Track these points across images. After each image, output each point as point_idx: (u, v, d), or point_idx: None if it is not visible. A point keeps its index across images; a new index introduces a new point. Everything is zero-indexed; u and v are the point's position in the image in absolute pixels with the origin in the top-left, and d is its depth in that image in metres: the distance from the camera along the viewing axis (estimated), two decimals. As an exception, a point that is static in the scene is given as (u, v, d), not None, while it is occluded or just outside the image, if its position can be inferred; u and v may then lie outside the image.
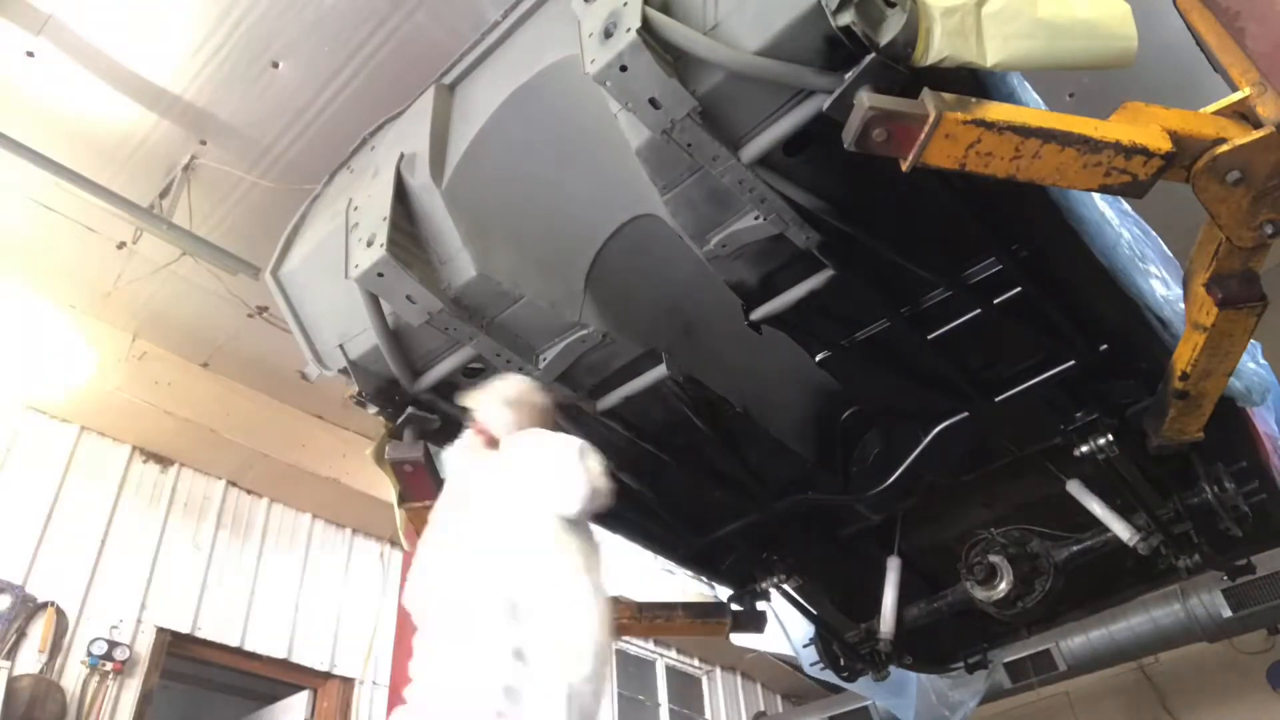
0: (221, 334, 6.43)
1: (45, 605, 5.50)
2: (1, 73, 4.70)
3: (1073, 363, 2.58)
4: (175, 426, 6.42)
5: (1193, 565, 2.95)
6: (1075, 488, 2.97)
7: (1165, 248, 2.69)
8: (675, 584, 5.63)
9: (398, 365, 2.52)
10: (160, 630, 6.07)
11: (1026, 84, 2.01)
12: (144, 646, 5.93)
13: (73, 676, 5.46)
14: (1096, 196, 2.13)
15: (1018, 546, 3.08)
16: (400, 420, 2.56)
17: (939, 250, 2.35)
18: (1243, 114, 1.68)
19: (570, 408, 2.73)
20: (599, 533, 3.38)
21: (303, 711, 6.76)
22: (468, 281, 2.27)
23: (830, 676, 3.88)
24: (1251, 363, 2.43)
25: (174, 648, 6.17)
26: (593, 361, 2.57)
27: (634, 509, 3.26)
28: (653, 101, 1.82)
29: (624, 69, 1.79)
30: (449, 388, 2.66)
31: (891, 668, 3.71)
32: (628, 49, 1.77)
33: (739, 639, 3.91)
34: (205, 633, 6.31)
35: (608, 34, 1.80)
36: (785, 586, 3.51)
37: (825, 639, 3.79)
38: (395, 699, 3.05)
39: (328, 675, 6.87)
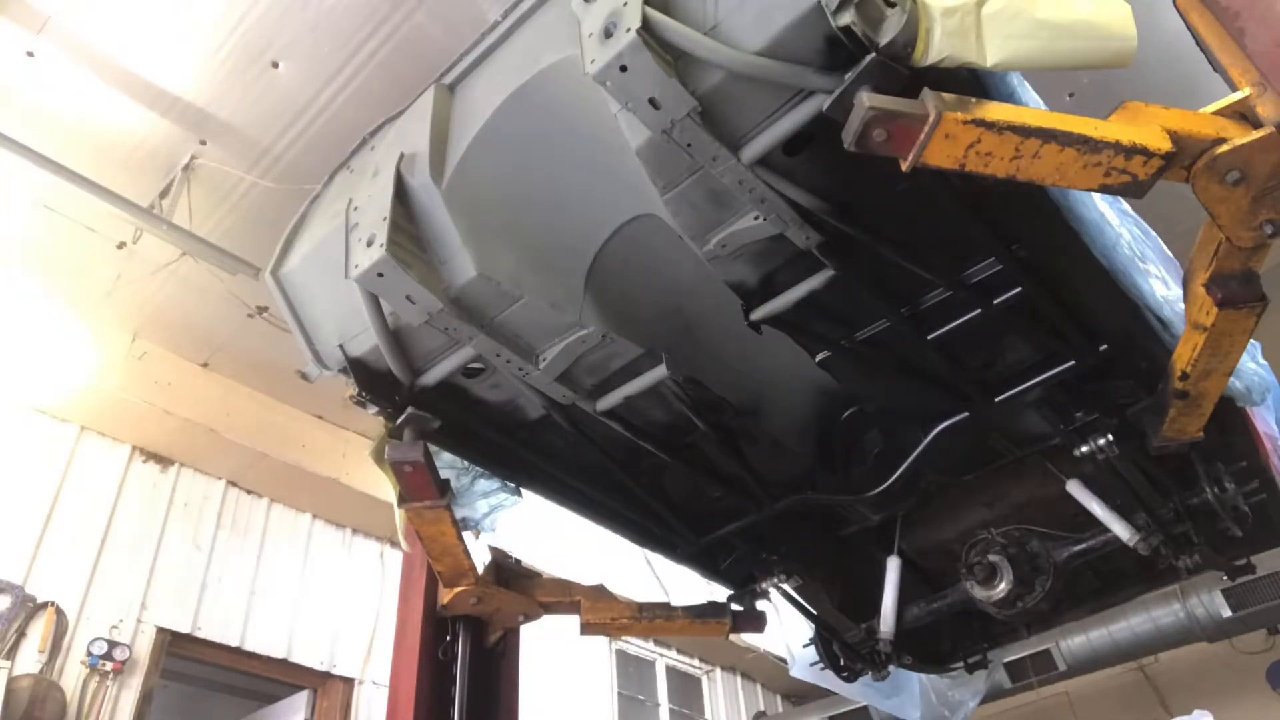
0: (221, 334, 6.44)
1: (45, 605, 5.51)
2: (1, 73, 4.71)
3: (1073, 363, 2.58)
4: (175, 426, 6.43)
5: (1193, 565, 2.94)
6: (1075, 488, 2.97)
7: (1165, 248, 2.69)
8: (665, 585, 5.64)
9: (397, 365, 2.52)
10: (160, 630, 6.08)
11: (1026, 84, 2.01)
12: (144, 646, 5.94)
13: (73, 676, 5.48)
14: (1096, 196, 2.13)
15: (1018, 546, 3.08)
16: (400, 420, 2.56)
17: (939, 250, 2.35)
18: (1243, 114, 1.68)
19: (570, 408, 2.73)
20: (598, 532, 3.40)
21: (303, 711, 6.78)
22: (468, 281, 2.27)
23: (829, 679, 3.88)
24: (1251, 363, 2.43)
25: (174, 648, 6.18)
26: (593, 361, 2.57)
27: (634, 509, 3.26)
28: (653, 101, 1.82)
29: (624, 69, 1.79)
30: (449, 388, 2.67)
31: (890, 668, 3.72)
32: (628, 49, 1.77)
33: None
34: (205, 633, 6.33)
35: (608, 34, 1.81)
36: (785, 586, 3.51)
37: (825, 639, 3.79)
38: (394, 698, 3.05)
39: (328, 675, 6.89)
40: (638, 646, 9.42)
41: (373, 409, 2.60)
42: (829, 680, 3.91)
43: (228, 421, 6.64)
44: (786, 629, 4.03)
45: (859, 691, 4.02)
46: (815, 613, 3.66)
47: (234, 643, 6.44)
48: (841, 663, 3.77)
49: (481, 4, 4.38)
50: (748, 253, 2.26)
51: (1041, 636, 6.35)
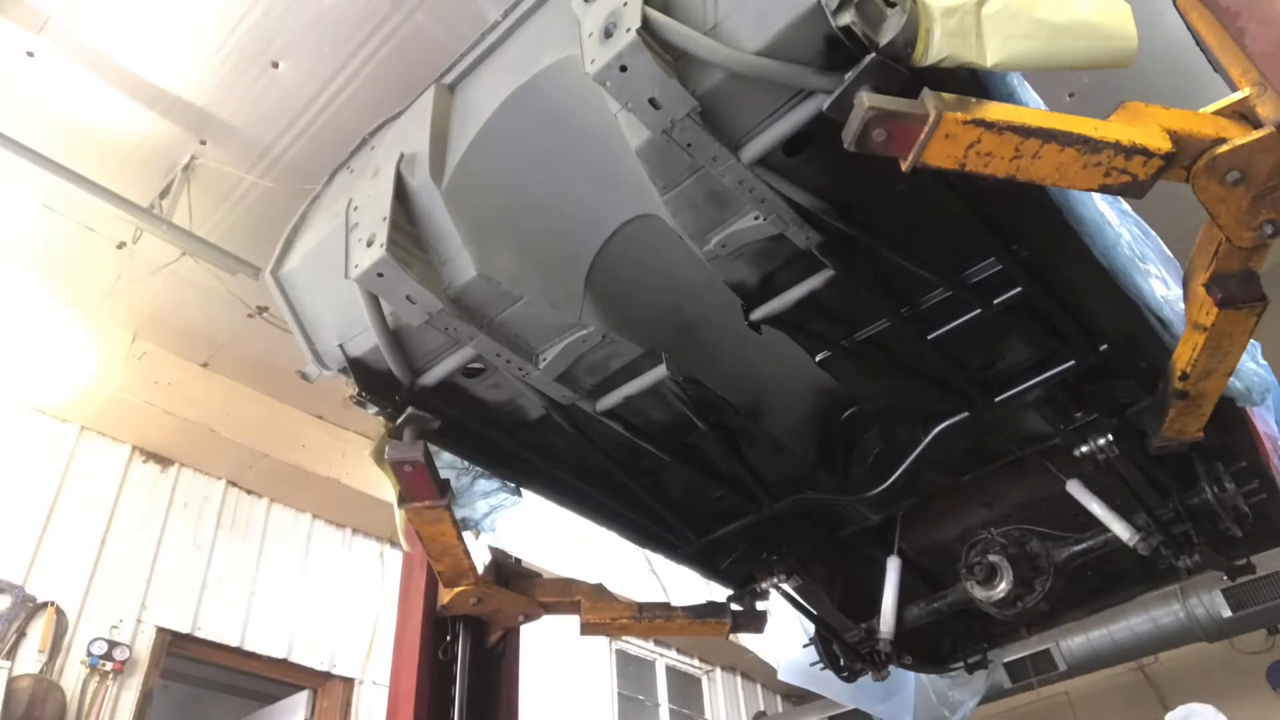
0: (221, 334, 6.44)
1: (45, 605, 5.51)
2: (1, 73, 4.71)
3: (1072, 363, 2.58)
4: (175, 426, 6.43)
5: (1193, 565, 2.95)
6: (1075, 488, 2.97)
7: (1165, 248, 2.69)
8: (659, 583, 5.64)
9: (397, 365, 2.52)
10: (160, 630, 6.08)
11: (1026, 84, 2.01)
12: (144, 646, 5.94)
13: (73, 676, 5.48)
14: (1096, 196, 2.13)
15: (1018, 546, 3.08)
16: (400, 420, 2.56)
17: (939, 250, 2.35)
18: (1243, 114, 1.68)
19: (570, 408, 2.73)
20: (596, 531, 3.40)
21: (303, 711, 6.78)
22: (468, 281, 2.27)
23: (818, 682, 3.89)
24: (1251, 363, 2.43)
25: (174, 648, 6.18)
26: (593, 361, 2.57)
27: (634, 509, 3.26)
28: (653, 101, 1.82)
29: (624, 69, 1.79)
30: (449, 388, 2.67)
31: (890, 668, 3.72)
32: (628, 49, 1.77)
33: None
34: (205, 633, 6.33)
35: (608, 34, 1.80)
36: (785, 586, 3.51)
37: (825, 639, 3.79)
38: (394, 698, 3.05)
39: (328, 675, 6.89)
40: (638, 646, 9.42)
41: (373, 409, 2.60)
42: (819, 684, 3.92)
43: (228, 421, 6.64)
44: (776, 633, 4.02)
45: (849, 695, 4.02)
46: (815, 613, 3.66)
47: (234, 643, 6.44)
48: (841, 663, 3.77)
49: (481, 4, 4.38)
50: (748, 253, 2.26)
51: (1041, 636, 6.35)
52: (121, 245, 5.66)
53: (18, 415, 5.97)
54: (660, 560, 3.74)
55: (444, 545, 2.83)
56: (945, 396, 2.78)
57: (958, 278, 2.42)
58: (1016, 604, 3.02)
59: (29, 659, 5.29)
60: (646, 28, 1.76)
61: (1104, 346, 2.54)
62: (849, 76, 1.67)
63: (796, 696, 10.65)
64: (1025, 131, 1.58)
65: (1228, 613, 6.78)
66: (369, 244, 2.21)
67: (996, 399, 2.72)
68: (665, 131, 1.87)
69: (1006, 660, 7.26)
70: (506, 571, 3.26)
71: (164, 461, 6.68)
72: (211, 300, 6.05)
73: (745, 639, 3.93)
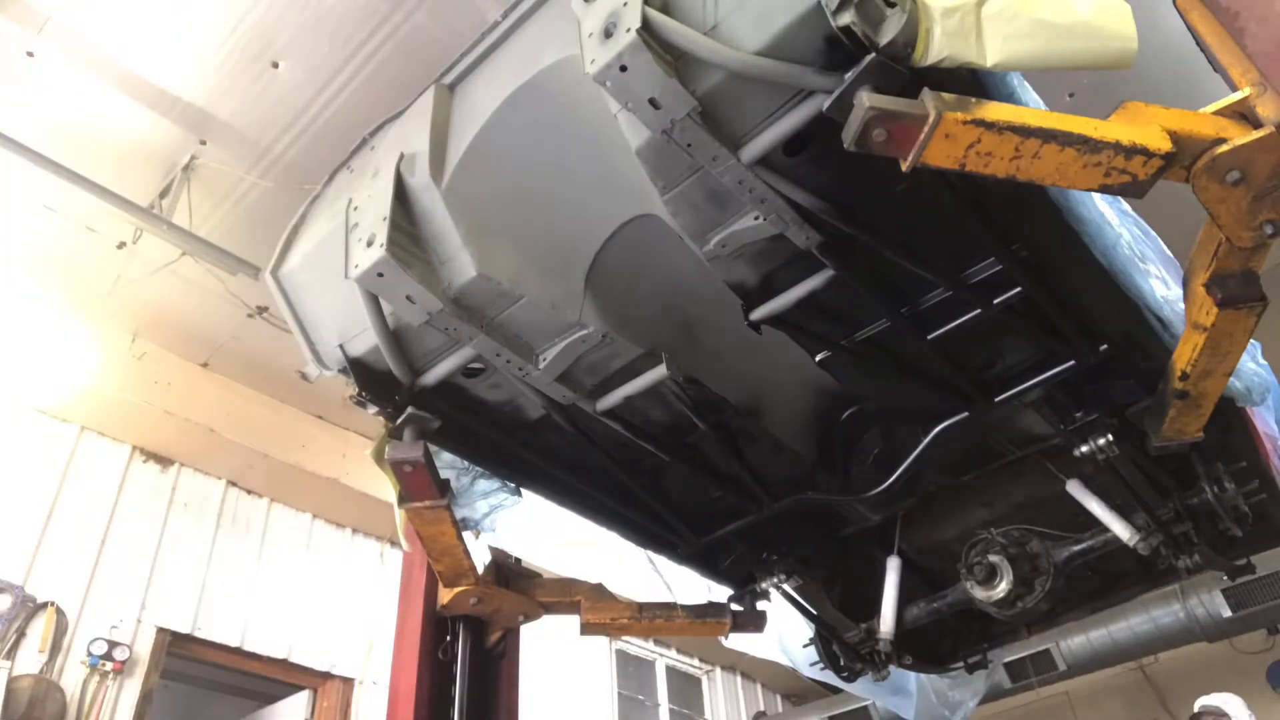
0: (221, 334, 6.45)
1: (45, 605, 5.52)
2: (1, 73, 4.71)
3: (1072, 363, 2.58)
4: (175, 426, 6.44)
5: (1193, 565, 2.95)
6: (1075, 488, 2.97)
7: (1165, 248, 2.69)
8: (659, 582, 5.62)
9: (397, 365, 2.52)
10: (160, 630, 6.08)
11: (1026, 84, 2.01)
12: (144, 646, 5.95)
13: (73, 676, 5.48)
14: (1096, 196, 2.13)
15: (1018, 546, 3.08)
16: (400, 420, 2.56)
17: (939, 250, 2.35)
18: (1243, 114, 1.68)
19: (570, 408, 2.73)
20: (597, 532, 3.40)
21: (303, 711, 6.79)
22: (468, 281, 2.27)
23: (830, 677, 3.89)
24: (1251, 363, 2.43)
25: (174, 648, 6.19)
26: (593, 361, 2.57)
27: (634, 509, 3.26)
28: (653, 101, 1.82)
29: (624, 69, 1.79)
30: (449, 388, 2.67)
31: (890, 667, 3.72)
32: (628, 49, 1.77)
33: (737, 641, 3.91)
34: (205, 633, 6.33)
35: (607, 34, 1.80)
36: (785, 586, 3.51)
37: (825, 639, 3.80)
38: (394, 698, 3.05)
39: (328, 675, 6.89)
40: (638, 646, 9.43)
41: (373, 409, 2.59)
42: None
43: (228, 421, 6.65)
44: (792, 637, 4.01)
45: (865, 689, 4.02)
46: (815, 613, 3.66)
47: (234, 643, 6.45)
48: (841, 663, 3.77)
49: (481, 4, 4.39)
50: (748, 253, 2.26)
51: (1041, 636, 6.35)
52: (121, 245, 5.66)
53: (18, 415, 5.98)
54: (662, 559, 3.74)
55: (444, 545, 2.82)
56: (945, 396, 2.77)
57: (958, 278, 2.42)
58: (1016, 604, 3.02)
59: (29, 659, 5.30)
60: (646, 28, 1.76)
61: (1104, 346, 2.54)
62: (849, 76, 1.67)
63: (797, 696, 10.66)
64: (1025, 131, 1.58)
65: (1228, 613, 6.78)
66: (369, 244, 2.21)
67: (996, 399, 2.71)
68: (665, 131, 1.87)
69: (1006, 660, 7.26)
70: (506, 571, 3.26)
71: (164, 461, 6.68)
72: (211, 300, 6.05)
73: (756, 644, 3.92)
